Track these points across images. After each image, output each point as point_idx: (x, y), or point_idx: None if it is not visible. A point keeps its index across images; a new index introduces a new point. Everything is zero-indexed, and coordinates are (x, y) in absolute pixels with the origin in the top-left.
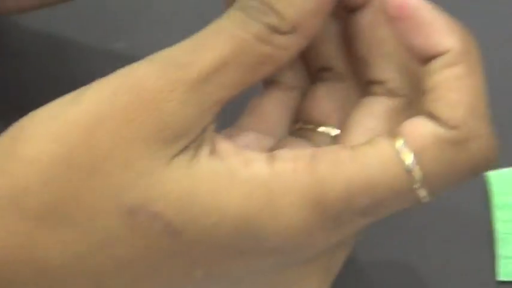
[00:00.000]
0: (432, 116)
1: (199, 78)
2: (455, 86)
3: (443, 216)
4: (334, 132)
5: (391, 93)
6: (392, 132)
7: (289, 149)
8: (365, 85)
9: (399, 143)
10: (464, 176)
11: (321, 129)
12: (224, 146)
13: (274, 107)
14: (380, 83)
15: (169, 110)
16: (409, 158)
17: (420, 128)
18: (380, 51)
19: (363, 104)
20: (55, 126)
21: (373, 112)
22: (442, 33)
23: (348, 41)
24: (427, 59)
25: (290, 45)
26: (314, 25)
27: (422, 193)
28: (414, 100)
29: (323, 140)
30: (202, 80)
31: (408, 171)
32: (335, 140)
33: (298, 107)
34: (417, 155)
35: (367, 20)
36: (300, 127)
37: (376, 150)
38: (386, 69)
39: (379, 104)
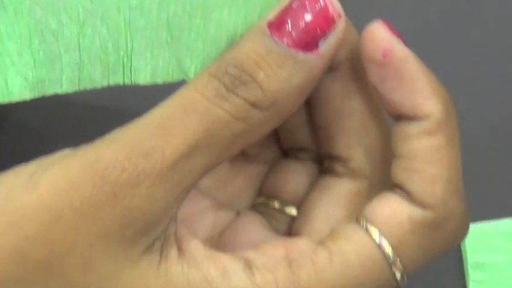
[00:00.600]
0: (405, 191)
1: (167, 168)
2: (433, 159)
3: (415, 277)
4: (296, 212)
5: (353, 173)
6: (361, 217)
7: (260, 253)
8: (326, 160)
9: (375, 234)
10: (438, 253)
11: (284, 208)
12: (193, 245)
13: (239, 178)
14: (342, 160)
15: (133, 206)
16: (389, 250)
17: (395, 213)
18: (344, 125)
19: (324, 185)
20: (7, 213)
21: (335, 197)
22: (425, 94)
23: (313, 109)
24: (401, 117)
25: (266, 122)
26: (295, 102)
27: (398, 276)
28: (378, 181)
29: (283, 220)
30: (169, 169)
31: (390, 263)
32: (295, 221)
33: (263, 180)
34: (396, 246)
35: (334, 88)
36: (262, 202)
37: (354, 246)
38: (349, 145)
39: (341, 188)
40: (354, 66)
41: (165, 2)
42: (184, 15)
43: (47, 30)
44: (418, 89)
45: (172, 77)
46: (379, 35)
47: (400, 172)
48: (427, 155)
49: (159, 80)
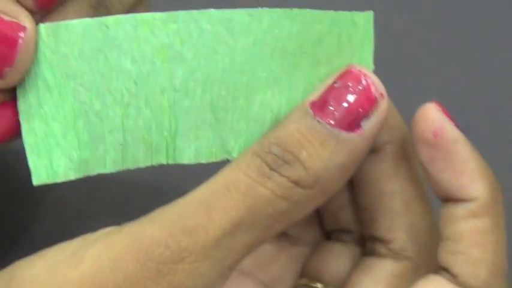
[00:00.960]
0: (451, 273)
1: (210, 245)
2: (479, 241)
3: None
4: None
5: (396, 255)
6: None
7: None
8: (369, 241)
9: None
10: None
11: None
12: None
13: (281, 259)
14: (385, 241)
15: (176, 281)
16: None
17: None
18: (387, 207)
19: (366, 266)
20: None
21: (377, 278)
22: (473, 177)
23: (355, 190)
24: (449, 198)
25: (309, 201)
26: (338, 181)
27: None
28: (422, 263)
29: None
30: (212, 246)
31: None
32: None
33: (305, 262)
34: None
35: (377, 170)
36: (304, 284)
37: None
38: (392, 227)
39: (383, 269)
40: (396, 148)
41: (209, 84)
42: (228, 97)
43: (91, 111)
44: (466, 171)
45: (216, 156)
46: (432, 116)
47: (446, 254)
48: (473, 238)
49: (203, 160)
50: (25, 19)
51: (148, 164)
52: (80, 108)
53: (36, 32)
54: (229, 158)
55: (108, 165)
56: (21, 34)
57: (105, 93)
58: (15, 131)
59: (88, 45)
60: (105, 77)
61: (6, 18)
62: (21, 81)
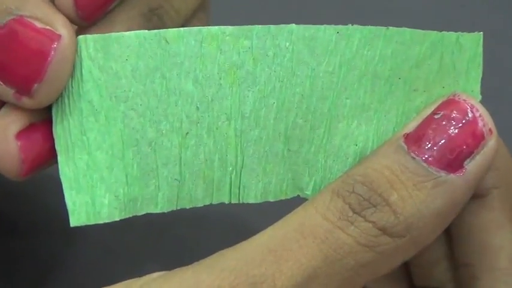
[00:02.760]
0: None
1: None
2: None
3: None
4: None
5: None
6: None
7: None
8: None
9: None
10: None
11: None
12: None
13: None
14: None
15: None
16: None
17: None
18: (492, 263)
19: None
20: None
21: None
22: None
23: (453, 242)
24: None
25: (398, 252)
26: (433, 231)
27: None
28: None
29: None
30: None
31: None
32: None
33: None
34: None
35: (480, 219)
36: None
37: None
38: (496, 287)
39: None
40: (505, 194)
41: (284, 111)
42: (305, 126)
43: (143, 140)
44: None
45: (286, 193)
46: None
47: None
48: None
49: (271, 198)
50: (61, 26)
51: (207, 203)
52: (130, 136)
53: (75, 42)
54: (302, 195)
55: (160, 203)
56: (55, 44)
57: (161, 120)
58: (48, 159)
59: (143, 62)
60: (162, 101)
61: (38, 24)
62: (57, 101)
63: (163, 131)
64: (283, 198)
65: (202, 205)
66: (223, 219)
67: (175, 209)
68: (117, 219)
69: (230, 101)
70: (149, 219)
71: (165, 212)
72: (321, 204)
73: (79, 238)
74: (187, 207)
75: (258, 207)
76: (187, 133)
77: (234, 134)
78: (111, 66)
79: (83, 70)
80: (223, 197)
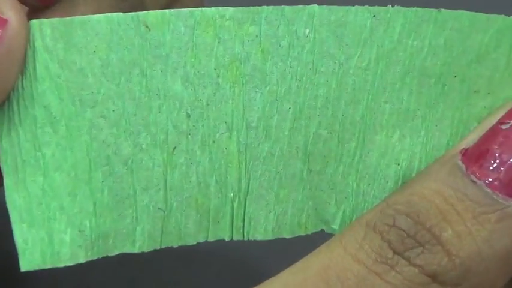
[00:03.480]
0: None
1: None
2: None
3: None
4: None
5: None
6: None
7: None
8: None
9: None
10: None
11: None
12: None
13: None
14: None
15: None
16: None
17: None
18: None
19: None
20: None
21: None
22: None
23: None
24: None
25: None
26: (498, 277)
27: None
28: None
29: None
30: None
31: None
32: None
33: None
34: None
35: None
36: None
37: None
38: None
39: None
40: None
41: (303, 119)
42: (331, 139)
43: (116, 157)
44: None
45: (306, 228)
46: None
47: None
48: None
49: (286, 234)
50: (8, 8)
51: (201, 240)
52: (100, 152)
53: (26, 29)
54: (327, 230)
55: (140, 241)
56: None
57: (140, 130)
58: None
59: (117, 55)
60: (142, 105)
61: None
62: (2, 106)
63: (143, 146)
64: (302, 234)
65: (194, 243)
66: (221, 255)
67: (159, 247)
68: (82, 261)
69: (231, 106)
70: (125, 255)
71: (145, 251)
72: (351, 241)
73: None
74: (175, 246)
75: (268, 242)
76: (174, 148)
77: (237, 149)
78: (74, 60)
79: (37, 65)
80: (222, 233)
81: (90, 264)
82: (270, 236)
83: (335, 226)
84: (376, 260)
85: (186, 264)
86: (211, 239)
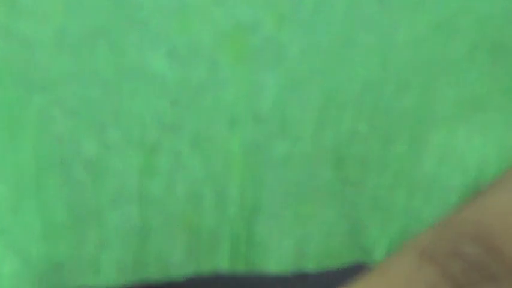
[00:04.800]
0: None
1: None
2: None
3: None
4: None
5: None
6: None
7: None
8: None
9: None
10: None
11: None
12: None
13: None
14: None
15: None
16: None
17: None
18: None
19: None
20: None
21: None
22: None
23: None
24: None
25: None
26: None
27: None
28: None
29: None
30: None
31: None
32: None
33: None
34: None
35: None
36: None
37: None
38: None
39: None
40: None
41: (334, 108)
42: (371, 136)
43: (74, 159)
44: None
45: (337, 258)
46: None
47: None
48: None
49: (309, 266)
50: None
51: (190, 271)
52: (51, 152)
53: None
54: (365, 260)
55: (105, 272)
56: None
57: (107, 123)
58: None
59: (76, 20)
60: (110, 89)
61: None
62: None
63: (112, 144)
64: (332, 266)
65: (180, 275)
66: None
67: (130, 282)
68: None
69: (233, 91)
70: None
71: None
72: (400, 276)
73: None
74: (152, 280)
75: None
76: (154, 147)
77: (241, 149)
78: (19, 28)
79: None
80: (220, 261)
81: None
82: (286, 268)
83: (377, 256)
84: None
85: None
86: (204, 270)
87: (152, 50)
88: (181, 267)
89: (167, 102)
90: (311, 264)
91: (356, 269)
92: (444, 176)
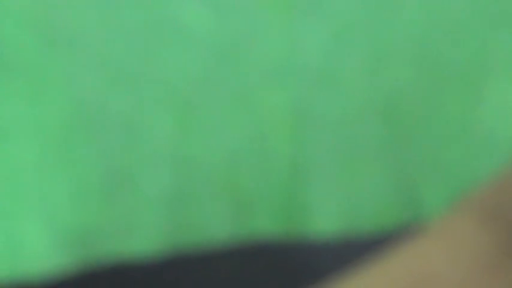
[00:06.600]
0: None
1: None
2: None
3: None
4: None
5: None
6: None
7: None
8: None
9: None
10: None
11: None
12: None
13: None
14: None
15: None
16: None
17: None
18: None
19: None
20: None
21: None
22: None
23: None
24: None
25: None
26: None
27: None
28: None
29: None
30: None
31: None
32: None
33: None
34: None
35: None
36: None
37: None
38: None
39: None
40: None
41: (376, 63)
42: (424, 89)
43: (103, 118)
44: None
45: (388, 218)
46: None
47: None
48: None
49: (359, 227)
50: None
51: (233, 235)
52: (78, 111)
53: None
54: (418, 220)
55: (137, 240)
56: None
57: (137, 80)
58: None
59: None
60: (139, 43)
61: None
62: None
63: (141, 102)
64: (383, 225)
65: (221, 240)
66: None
67: (171, 247)
68: (57, 270)
69: (276, 43)
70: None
71: (152, 254)
72: (459, 235)
73: None
74: (194, 244)
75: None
76: (187, 104)
77: (287, 105)
78: None
79: None
80: (263, 225)
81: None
82: (336, 229)
83: (431, 215)
84: (497, 257)
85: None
86: (246, 234)
87: None
88: (221, 230)
89: (202, 56)
90: (360, 226)
91: (406, 232)
92: (501, 130)
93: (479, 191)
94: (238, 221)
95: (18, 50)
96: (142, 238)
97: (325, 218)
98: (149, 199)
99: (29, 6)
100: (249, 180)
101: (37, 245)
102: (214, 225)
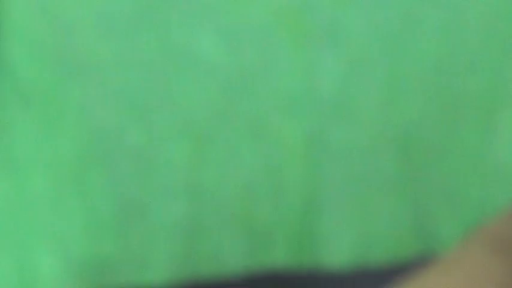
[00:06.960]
0: None
1: None
2: None
3: None
4: None
5: None
6: None
7: None
8: None
9: None
10: None
11: None
12: None
13: None
14: None
15: None
16: None
17: None
18: None
19: None
20: None
21: None
22: None
23: None
24: None
25: None
26: None
27: None
28: None
29: None
30: None
31: None
32: None
33: None
34: None
35: None
36: None
37: None
38: None
39: None
40: None
41: (393, 95)
42: (443, 121)
43: (119, 149)
44: None
45: (405, 249)
46: None
47: None
48: None
49: (375, 259)
50: None
51: (245, 268)
52: (93, 142)
53: None
54: (436, 252)
55: (152, 271)
56: None
57: (153, 110)
58: None
59: (117, 5)
60: (154, 74)
61: None
62: None
63: (157, 133)
64: (400, 258)
65: (234, 272)
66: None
67: (184, 277)
68: None
69: (291, 74)
70: None
71: (164, 284)
72: (472, 265)
73: None
74: (206, 277)
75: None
76: (202, 136)
77: (301, 136)
78: (58, 10)
79: (8, 12)
80: (276, 256)
81: None
82: (349, 260)
83: (446, 246)
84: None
85: None
86: (260, 264)
87: (200, 30)
88: (235, 261)
89: (217, 87)
90: (375, 257)
91: (419, 263)
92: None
93: (492, 222)
94: (252, 251)
95: (34, 82)
96: (156, 268)
97: (339, 249)
98: (164, 230)
99: (45, 38)
100: (263, 211)
101: (52, 276)
102: (229, 255)
